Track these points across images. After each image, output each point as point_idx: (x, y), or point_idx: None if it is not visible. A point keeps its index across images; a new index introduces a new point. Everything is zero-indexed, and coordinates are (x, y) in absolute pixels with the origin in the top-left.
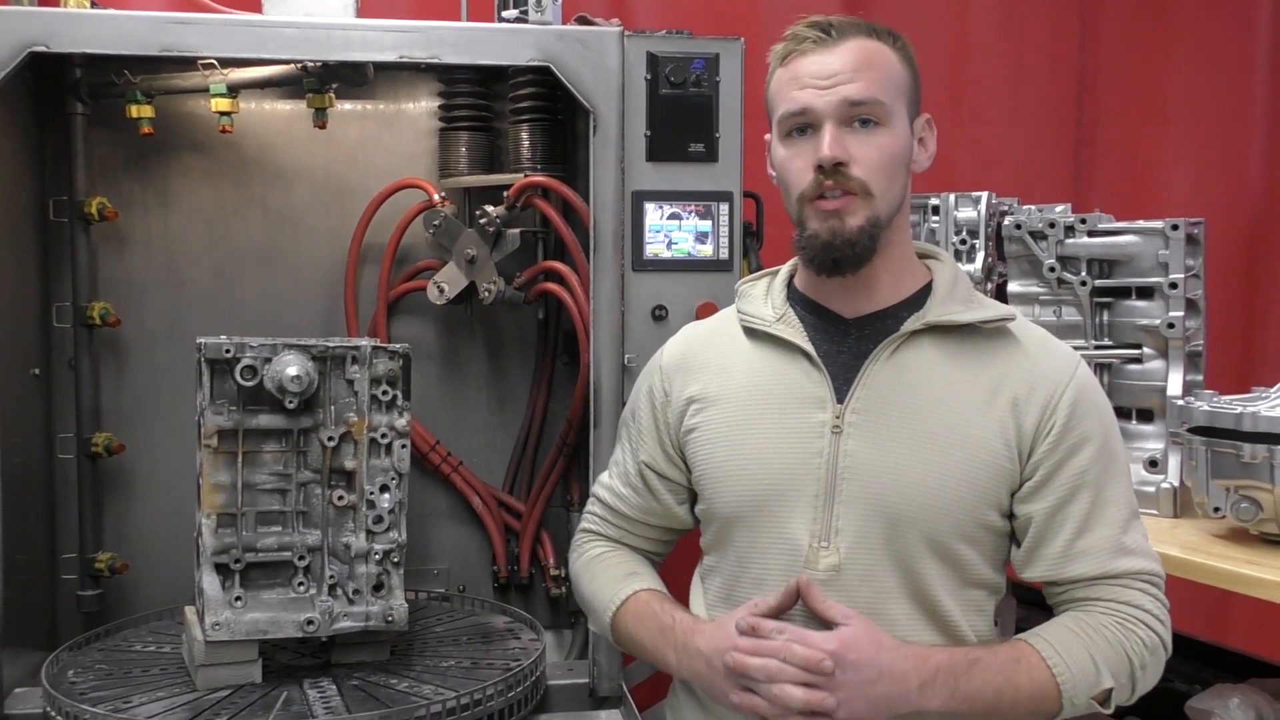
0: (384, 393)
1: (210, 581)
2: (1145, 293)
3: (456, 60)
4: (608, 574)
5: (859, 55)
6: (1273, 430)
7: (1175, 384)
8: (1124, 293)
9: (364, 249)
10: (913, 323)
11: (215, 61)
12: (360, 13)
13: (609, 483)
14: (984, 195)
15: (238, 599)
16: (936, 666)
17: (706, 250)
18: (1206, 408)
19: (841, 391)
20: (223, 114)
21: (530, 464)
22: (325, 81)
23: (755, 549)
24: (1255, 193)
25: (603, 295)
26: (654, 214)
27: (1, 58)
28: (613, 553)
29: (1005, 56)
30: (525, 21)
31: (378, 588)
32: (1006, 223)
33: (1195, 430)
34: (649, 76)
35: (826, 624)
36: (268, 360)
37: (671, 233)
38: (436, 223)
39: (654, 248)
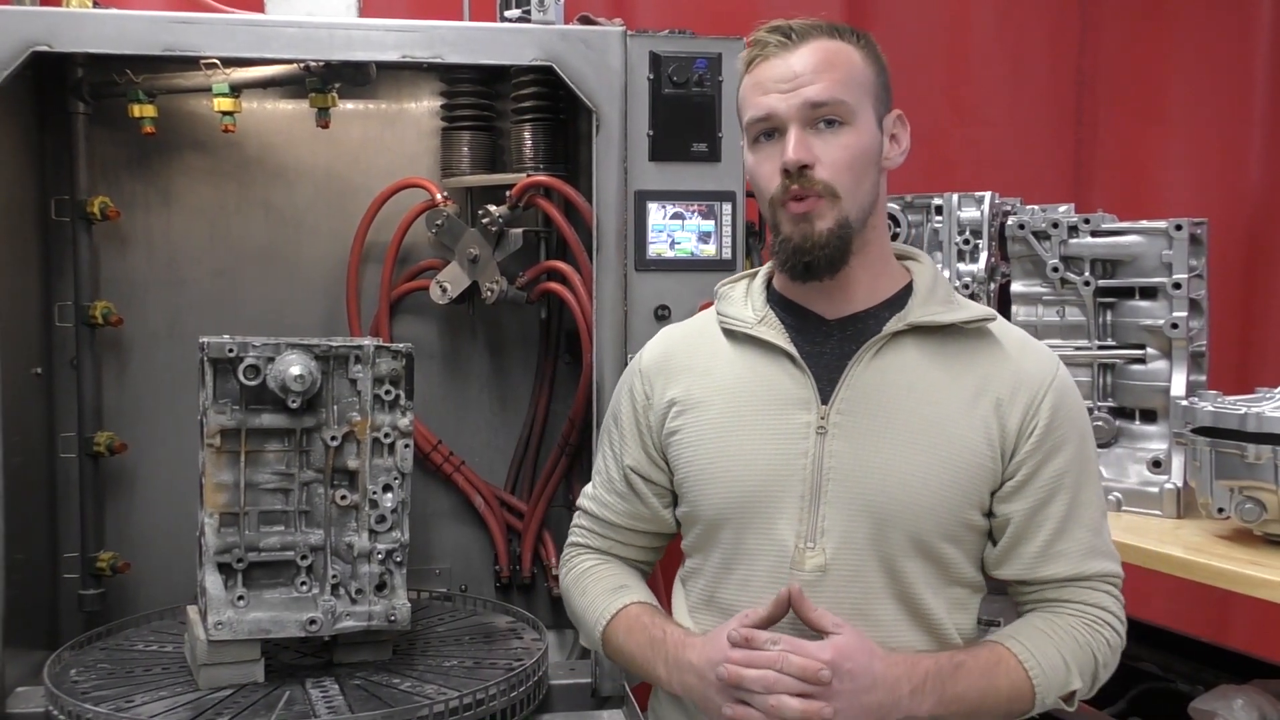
0: (387, 392)
1: (213, 581)
2: (1148, 293)
3: (459, 60)
4: (597, 587)
5: (820, 56)
6: (1277, 431)
7: (1179, 384)
8: (1127, 293)
9: (366, 248)
10: (895, 323)
11: (218, 61)
12: (362, 12)
13: (594, 493)
14: (987, 195)
15: (240, 598)
16: (925, 672)
17: (709, 250)
18: (1210, 408)
19: (825, 393)
20: (225, 113)
21: (532, 464)
22: (328, 81)
23: (741, 551)
24: (1255, 192)
25: (605, 295)
26: (657, 213)
27: (4, 57)
28: (602, 565)
29: (1005, 57)
30: (528, 21)
31: (380, 587)
32: (1010, 223)
33: (1199, 431)
34: (652, 76)
35: (815, 632)
36: (270, 360)
37: (674, 232)
38: (439, 222)
39: (657, 247)
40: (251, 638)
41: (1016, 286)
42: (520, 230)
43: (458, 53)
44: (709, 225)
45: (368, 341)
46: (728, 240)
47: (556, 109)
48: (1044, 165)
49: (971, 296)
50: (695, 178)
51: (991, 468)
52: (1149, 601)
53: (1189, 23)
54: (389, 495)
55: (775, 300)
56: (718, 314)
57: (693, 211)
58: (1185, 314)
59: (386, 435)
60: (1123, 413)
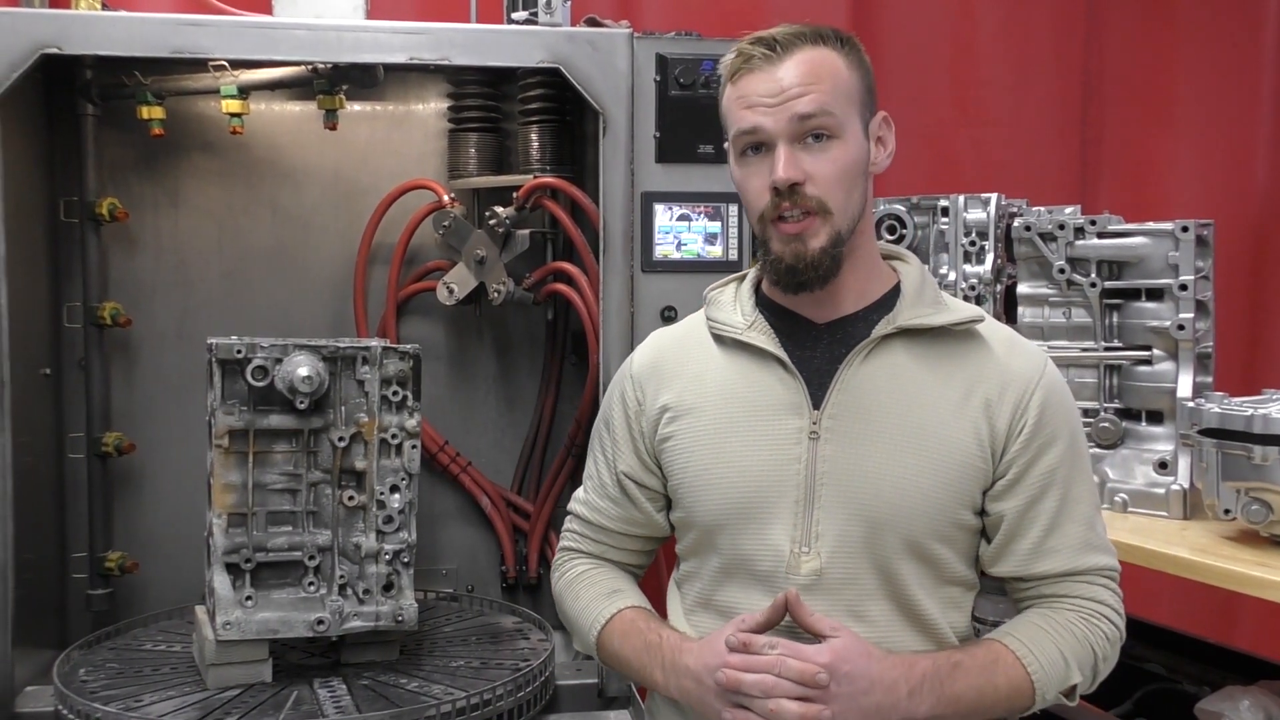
0: (394, 393)
1: (221, 581)
2: (1155, 294)
3: (466, 62)
4: (591, 592)
5: (805, 68)
6: None
7: (1185, 385)
8: (1133, 294)
9: (373, 250)
10: (884, 327)
11: (226, 63)
12: (370, 14)
13: (586, 498)
14: (993, 197)
15: (248, 598)
16: (923, 673)
17: (716, 251)
18: (1217, 409)
19: (817, 397)
20: (233, 115)
21: (539, 464)
22: (335, 83)
23: (736, 556)
24: (1261, 194)
25: (612, 296)
26: (663, 215)
27: (14, 59)
28: (595, 570)
29: (1010, 58)
30: (535, 23)
31: (388, 588)
32: (1016, 224)
33: (1205, 432)
34: (658, 78)
35: (812, 636)
36: (278, 361)
37: (681, 234)
38: (446, 223)
39: (663, 249)
40: (259, 638)
41: (1022, 288)
42: (527, 231)
43: (465, 55)
44: (715, 227)
45: (375, 342)
46: (734, 242)
47: (563, 111)
48: (1050, 167)
49: (978, 299)
50: (702, 179)
51: (982, 467)
52: (1155, 602)
53: (1195, 24)
54: (396, 496)
55: (764, 304)
56: (707, 319)
57: (699, 213)
58: (1191, 315)
59: (394, 436)
60: (1129, 414)
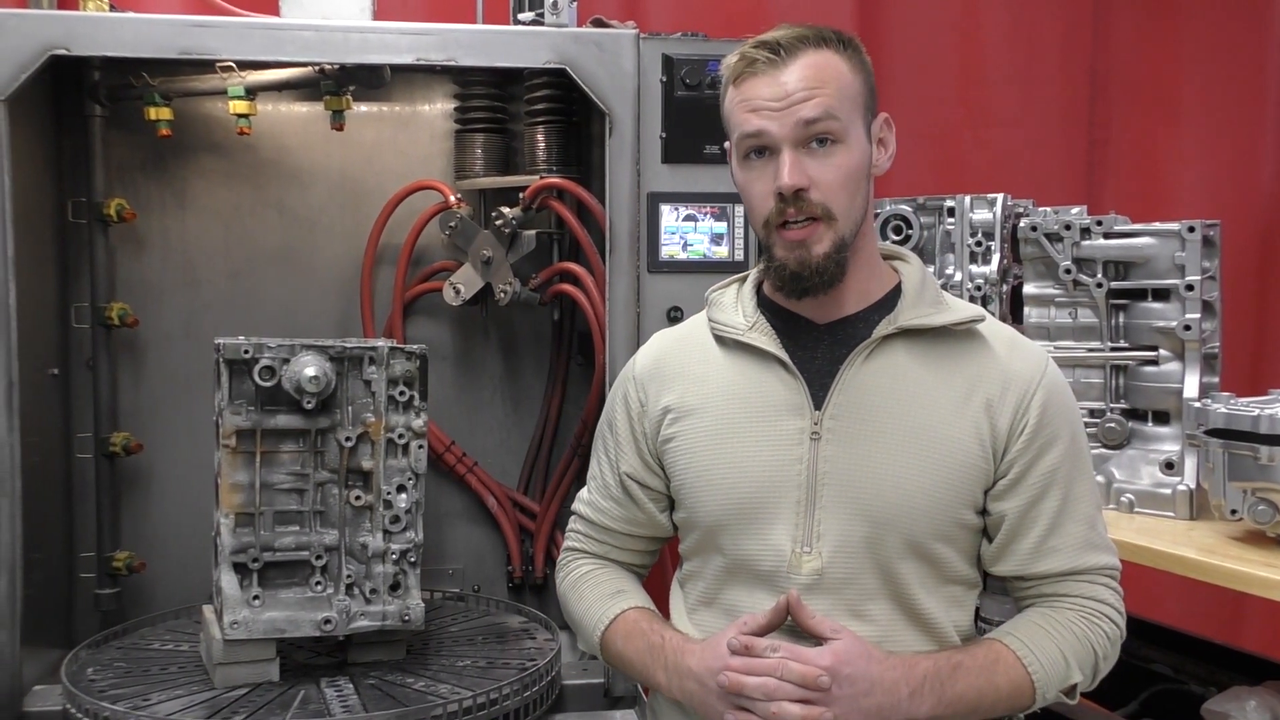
0: (401, 393)
1: (228, 580)
2: (1161, 294)
3: (473, 62)
4: (595, 592)
5: (809, 72)
6: None
7: (1192, 386)
8: (1140, 294)
9: (380, 250)
10: (884, 327)
11: (233, 64)
12: (377, 15)
13: (589, 498)
14: (999, 197)
15: (255, 598)
16: (924, 674)
17: (722, 252)
18: (1224, 410)
19: (818, 398)
20: (240, 116)
21: (545, 464)
22: (342, 84)
23: (738, 556)
24: (1268, 194)
25: (618, 297)
26: (669, 215)
27: (22, 61)
28: (599, 570)
29: (1017, 57)
30: (541, 24)
31: (394, 587)
32: (1022, 225)
33: (1212, 432)
34: (664, 78)
35: (813, 638)
36: (286, 361)
37: (687, 234)
38: (452, 224)
39: (669, 249)
40: (267, 637)
41: (1029, 289)
42: (533, 232)
43: (471, 55)
44: (721, 227)
45: (382, 343)
46: (740, 242)
47: (569, 111)
48: (1056, 167)
49: (984, 299)
50: (708, 180)
51: (984, 467)
52: (1162, 603)
53: (1202, 23)
54: (403, 496)
55: (765, 305)
56: (709, 320)
57: (705, 213)
58: (1198, 315)
59: (400, 436)
60: (1135, 414)
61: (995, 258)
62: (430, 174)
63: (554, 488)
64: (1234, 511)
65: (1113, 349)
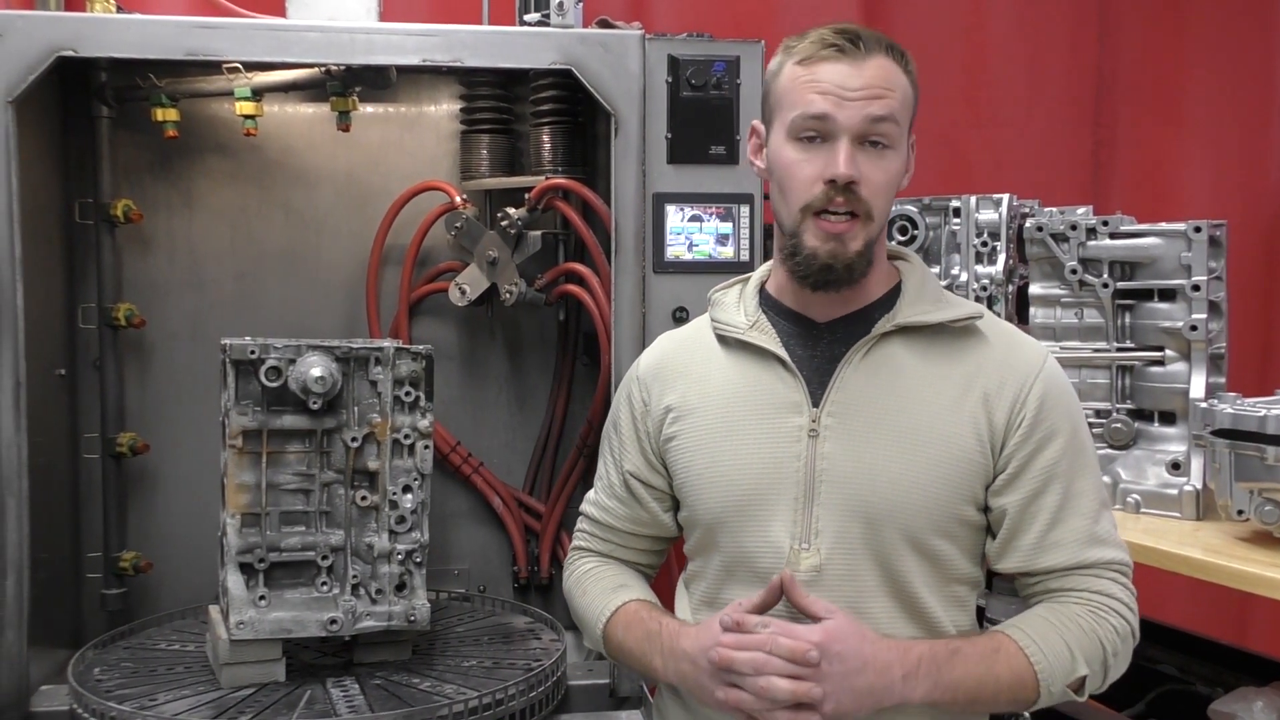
0: (407, 394)
1: (235, 581)
2: (1167, 295)
3: (478, 63)
4: (598, 587)
5: (882, 74)
6: None
7: (1198, 386)
8: (1146, 295)
9: (386, 251)
10: (884, 324)
11: (240, 65)
12: (383, 17)
13: (596, 498)
14: (1005, 197)
15: (262, 598)
16: (919, 657)
17: (727, 252)
18: (1230, 410)
19: (816, 395)
20: (247, 117)
21: (550, 465)
22: (348, 85)
23: (738, 553)
24: (1275, 194)
25: (624, 297)
26: (675, 216)
27: (30, 62)
28: (603, 567)
29: (1023, 57)
30: (547, 25)
31: (400, 587)
32: (1028, 225)
33: (1219, 433)
34: (670, 79)
35: (809, 620)
36: (292, 361)
37: (692, 235)
38: (458, 225)
39: (675, 249)
40: (273, 637)
41: (1035, 289)
42: (539, 233)
43: (477, 56)
44: (727, 227)
45: (388, 343)
46: (745, 242)
47: (575, 112)
48: (1062, 167)
49: (989, 300)
50: (713, 180)
51: (982, 463)
52: (1168, 603)
53: (1208, 23)
54: (409, 496)
55: (768, 304)
56: (711, 320)
57: (711, 214)
58: (1204, 316)
59: (406, 436)
60: (1141, 415)
61: (1001, 258)
62: (436, 175)
63: (559, 488)
64: (1240, 512)
65: (1119, 349)
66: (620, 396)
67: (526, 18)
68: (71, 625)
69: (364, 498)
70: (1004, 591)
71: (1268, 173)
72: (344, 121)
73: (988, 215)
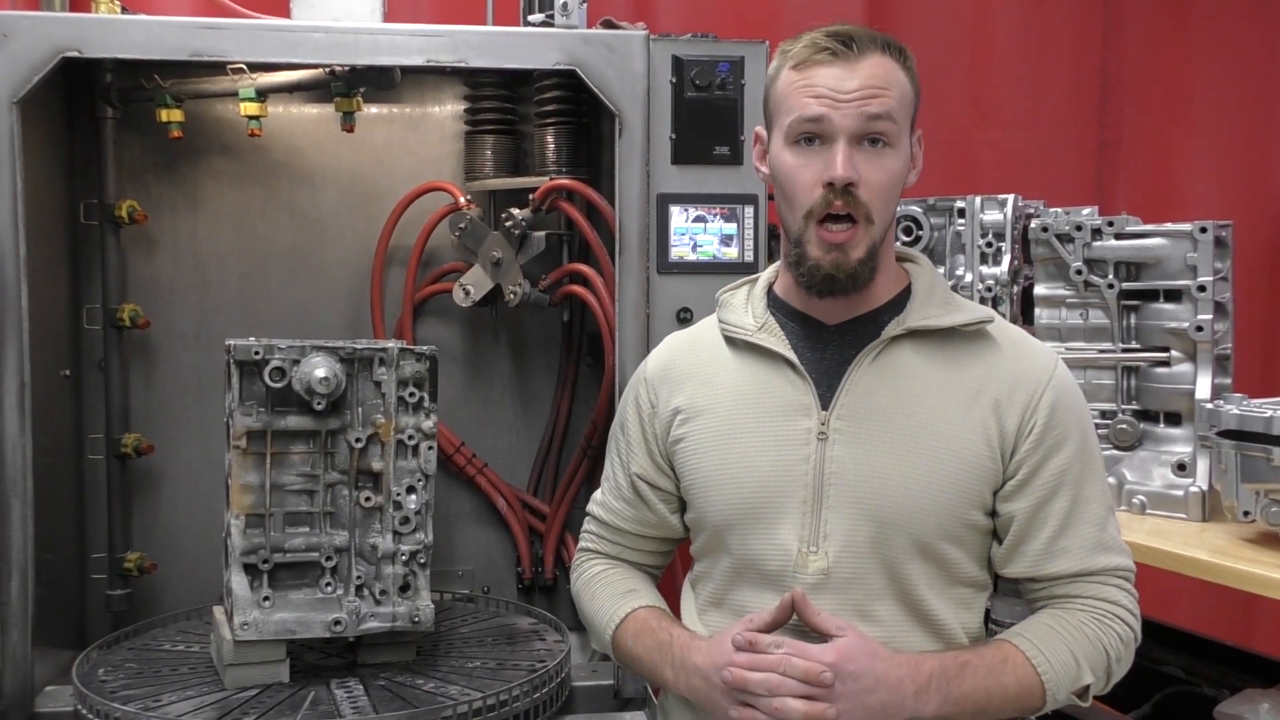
0: (411, 394)
1: (239, 581)
2: (1173, 295)
3: (483, 64)
4: (607, 591)
5: (877, 73)
6: None
7: (1204, 387)
8: (1151, 295)
9: (390, 251)
10: (893, 328)
11: (244, 66)
12: (387, 17)
13: (603, 499)
14: (1010, 198)
15: (266, 599)
16: (929, 672)
17: (731, 253)
18: (1236, 411)
19: (825, 398)
20: (251, 118)
21: (554, 466)
22: (352, 85)
23: (746, 555)
24: None
25: (628, 298)
26: (679, 216)
27: (34, 63)
28: (612, 570)
29: (1027, 58)
30: (551, 25)
31: (404, 588)
32: (1033, 225)
33: (1225, 434)
34: (674, 80)
35: (819, 635)
36: (296, 362)
37: (696, 235)
38: (462, 225)
39: (679, 250)
40: (277, 638)
41: (1040, 290)
42: (543, 233)
43: (482, 57)
44: (731, 228)
45: (392, 344)
46: (750, 243)
47: (579, 112)
48: (1067, 167)
49: (994, 300)
50: (717, 181)
51: (991, 468)
52: (1174, 605)
53: (1213, 23)
54: (413, 497)
55: (776, 306)
56: (719, 321)
57: (715, 214)
58: (1210, 317)
59: (410, 437)
60: (1147, 416)
61: (1006, 259)
62: (440, 175)
63: (564, 489)
64: (1246, 513)
65: (1124, 350)
66: (627, 397)
67: (530, 18)
68: (76, 626)
69: (368, 498)
70: (1008, 593)
71: (1273, 173)
72: (348, 122)
73: (992, 216)
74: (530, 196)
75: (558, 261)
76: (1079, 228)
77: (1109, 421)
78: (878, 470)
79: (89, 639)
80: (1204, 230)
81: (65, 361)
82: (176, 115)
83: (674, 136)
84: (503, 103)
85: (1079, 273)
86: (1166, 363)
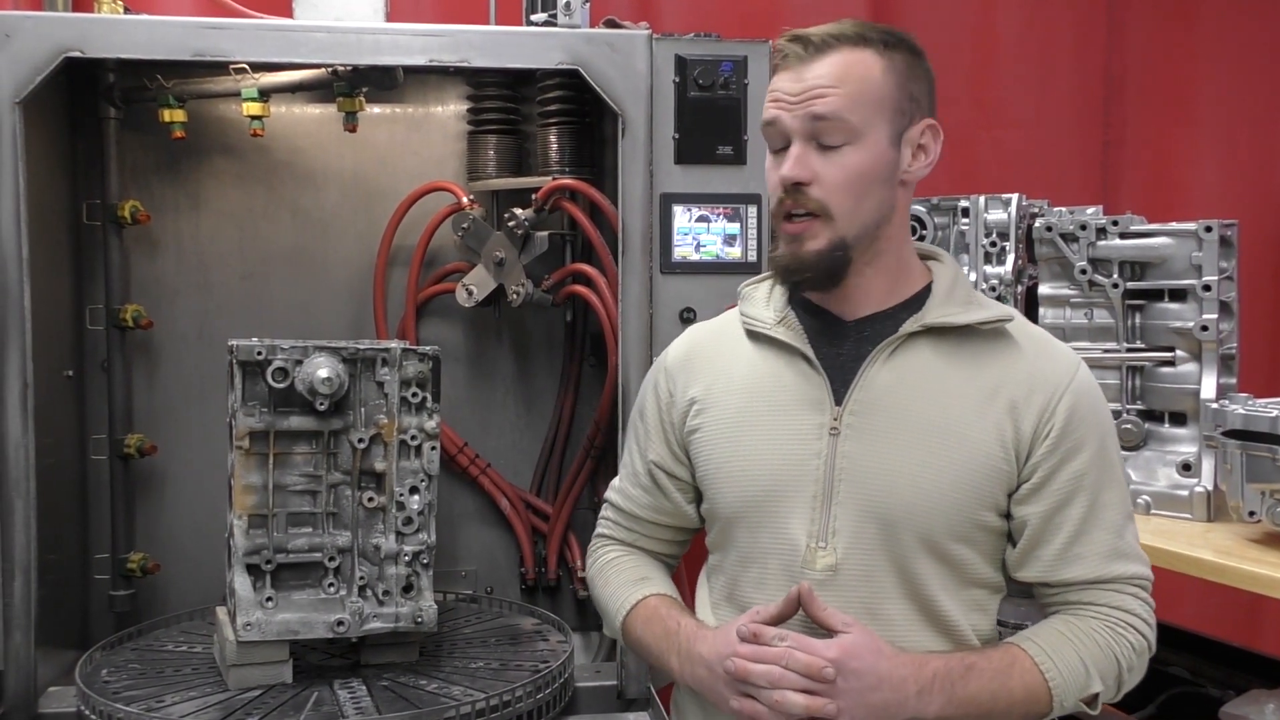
0: (414, 395)
1: (242, 582)
2: (1178, 295)
3: (485, 64)
4: (620, 578)
5: (833, 69)
6: None
7: (1209, 387)
8: (1156, 295)
9: (393, 252)
10: (910, 324)
11: (247, 66)
12: (389, 17)
13: (620, 486)
14: (1014, 197)
15: (269, 599)
16: (934, 673)
17: (735, 253)
18: (1241, 411)
19: (840, 393)
20: (254, 118)
21: (558, 466)
22: (355, 85)
23: (755, 549)
24: None
25: (631, 298)
26: (682, 216)
27: (37, 63)
28: (626, 557)
29: (1032, 58)
30: (554, 25)
31: (407, 589)
32: (1037, 225)
33: (1230, 434)
34: (677, 79)
35: (827, 631)
36: (299, 362)
37: (699, 235)
38: (465, 225)
39: (682, 250)
40: (280, 639)
41: (1044, 289)
42: (546, 233)
43: (484, 57)
44: (734, 228)
45: (395, 344)
46: (753, 243)
47: (582, 112)
48: (1071, 167)
49: (998, 299)
50: (721, 180)
51: (1005, 470)
52: (1179, 605)
53: (1218, 22)
54: (416, 497)
55: (798, 301)
56: (740, 314)
57: (718, 214)
58: (1215, 316)
59: (413, 438)
60: (1152, 415)
61: (1010, 258)
62: (443, 175)
63: (567, 489)
64: (1252, 513)
65: (1129, 350)
66: (647, 385)
67: (533, 18)
68: (79, 627)
69: (371, 499)
70: (1015, 593)
71: (1277, 171)
72: (351, 122)
73: (997, 215)
74: (533, 196)
75: (561, 261)
76: (1083, 227)
77: (1114, 422)
78: (888, 467)
79: (92, 640)
80: (1209, 229)
81: (68, 362)
82: (179, 115)
83: (677, 136)
84: (505, 102)
85: (1083, 272)
86: (1171, 362)
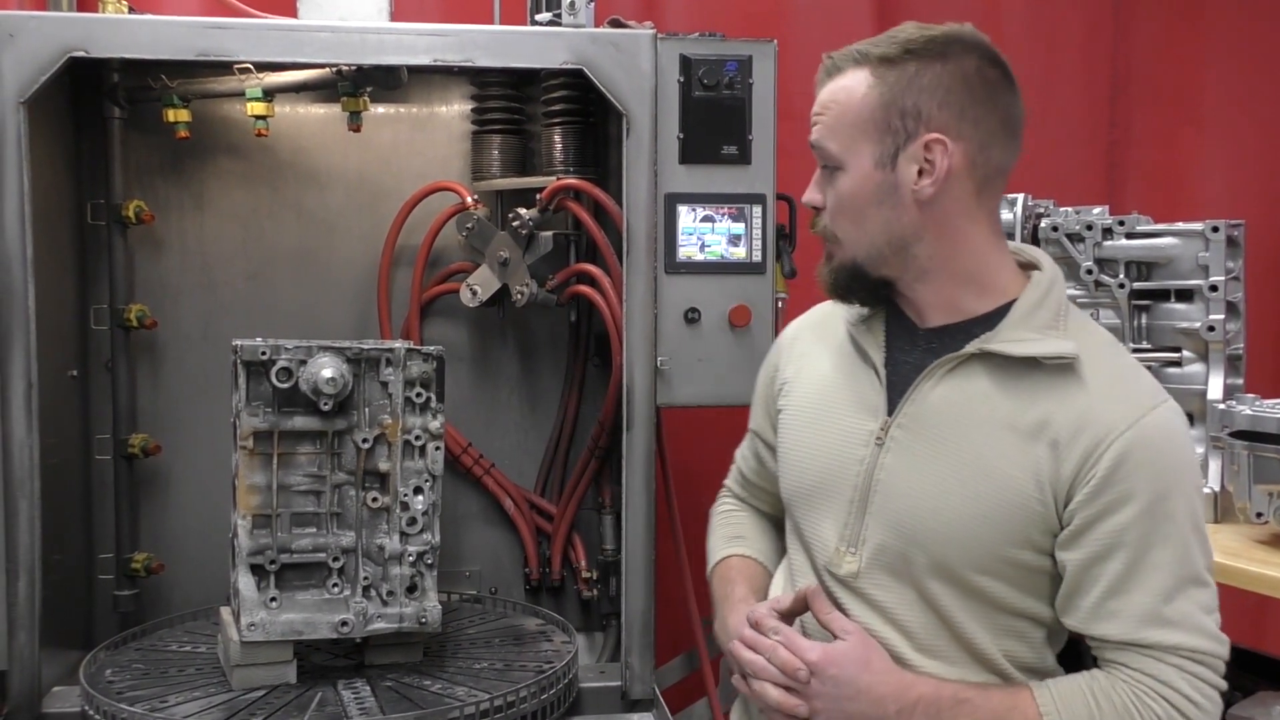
0: (418, 395)
1: (246, 582)
2: (1185, 295)
3: (490, 63)
4: (720, 533)
5: (826, 96)
6: None
7: (1216, 387)
8: (1163, 295)
9: (397, 252)
10: (972, 346)
11: (251, 66)
12: (394, 16)
13: (741, 447)
14: (1020, 197)
15: (273, 600)
16: (918, 698)
17: (739, 253)
18: (1249, 412)
19: (894, 402)
20: (258, 118)
21: (562, 466)
22: (359, 85)
23: (798, 538)
24: None
25: (635, 298)
26: (687, 216)
27: (41, 63)
28: (735, 513)
29: (1037, 57)
30: (558, 24)
31: (411, 589)
32: (1043, 225)
33: (1237, 434)
34: (682, 79)
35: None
36: (303, 362)
37: (704, 235)
38: (469, 225)
39: (687, 250)
40: (284, 639)
41: None
42: (550, 233)
43: (489, 56)
44: (739, 228)
45: (399, 344)
46: (757, 243)
47: (587, 112)
48: (1078, 167)
49: None
50: (726, 180)
51: (1040, 510)
52: None
53: (1224, 22)
54: (420, 497)
55: (892, 300)
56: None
57: (723, 214)
58: (1222, 316)
59: (417, 438)
60: None
61: None
62: (447, 175)
63: (571, 489)
64: (1259, 515)
65: (1135, 350)
66: (769, 355)
67: (538, 17)
68: (83, 627)
69: (375, 499)
70: None
71: None
72: (355, 122)
73: (1003, 215)
74: (537, 196)
75: (565, 261)
76: (1089, 227)
77: None
78: (917, 489)
79: (96, 640)
80: (1216, 229)
81: (72, 362)
82: (183, 115)
83: (682, 136)
84: (510, 102)
85: (1090, 272)
86: (1178, 363)
